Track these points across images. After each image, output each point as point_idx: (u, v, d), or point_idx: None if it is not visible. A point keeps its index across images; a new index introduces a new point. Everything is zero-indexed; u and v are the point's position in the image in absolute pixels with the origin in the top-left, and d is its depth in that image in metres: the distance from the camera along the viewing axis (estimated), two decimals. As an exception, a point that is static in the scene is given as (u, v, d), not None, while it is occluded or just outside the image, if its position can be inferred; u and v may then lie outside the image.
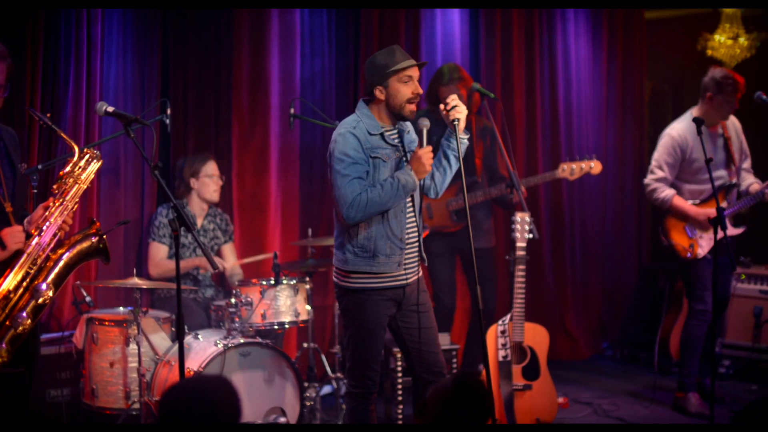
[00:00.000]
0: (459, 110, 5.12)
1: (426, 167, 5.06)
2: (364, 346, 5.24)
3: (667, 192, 7.16)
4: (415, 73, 5.11)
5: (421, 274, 5.37)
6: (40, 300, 4.61)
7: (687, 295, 7.38)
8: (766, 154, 8.68)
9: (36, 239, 4.62)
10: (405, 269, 5.21)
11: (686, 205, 7.12)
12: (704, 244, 7.06)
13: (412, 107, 5.12)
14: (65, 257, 4.73)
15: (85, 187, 4.81)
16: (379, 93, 5.11)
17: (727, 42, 8.55)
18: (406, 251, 5.21)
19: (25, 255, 4.59)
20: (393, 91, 5.09)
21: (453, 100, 5.15)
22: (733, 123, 7.20)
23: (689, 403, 7.08)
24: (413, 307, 5.29)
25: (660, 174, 7.18)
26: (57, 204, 4.70)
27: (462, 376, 3.73)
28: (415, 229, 5.26)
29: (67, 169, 4.78)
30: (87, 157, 4.82)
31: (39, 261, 4.64)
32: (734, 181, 7.10)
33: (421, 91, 5.13)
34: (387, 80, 5.08)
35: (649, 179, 7.24)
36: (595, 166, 7.09)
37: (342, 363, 7.06)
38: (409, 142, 5.28)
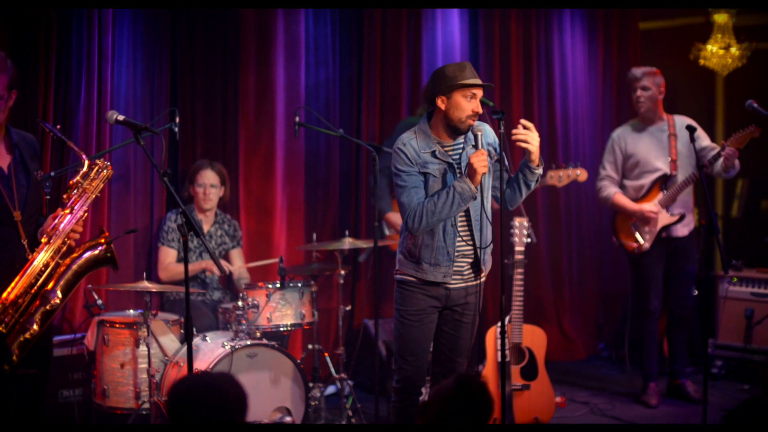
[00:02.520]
0: (522, 140, 5.07)
1: (477, 171, 4.91)
2: (401, 337, 5.27)
3: (608, 191, 7.40)
4: (479, 92, 5.05)
5: (479, 282, 5.30)
6: (48, 306, 4.61)
7: (634, 295, 7.53)
8: (761, 161, 8.71)
9: (45, 246, 4.62)
10: (452, 278, 5.18)
11: (625, 201, 7.31)
12: (648, 238, 7.24)
13: (471, 122, 5.04)
14: (74, 265, 4.73)
15: (95, 196, 4.80)
16: (441, 103, 5.04)
17: (719, 52, 8.55)
18: (456, 263, 5.17)
19: (34, 262, 4.59)
20: (454, 104, 5.01)
21: (522, 129, 5.07)
22: (684, 123, 7.13)
23: (645, 393, 7.36)
24: (456, 309, 5.28)
25: (603, 173, 7.47)
26: (66, 213, 4.69)
27: (463, 377, 3.72)
28: (470, 241, 5.17)
29: (77, 179, 4.78)
30: (96, 168, 4.82)
31: (49, 268, 4.64)
32: (671, 172, 7.15)
33: (480, 111, 5.05)
34: (452, 92, 5.01)
35: (597, 180, 7.46)
36: (581, 174, 7.16)
37: (346, 364, 7.07)
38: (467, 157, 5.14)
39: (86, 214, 4.77)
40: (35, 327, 4.56)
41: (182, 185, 7.19)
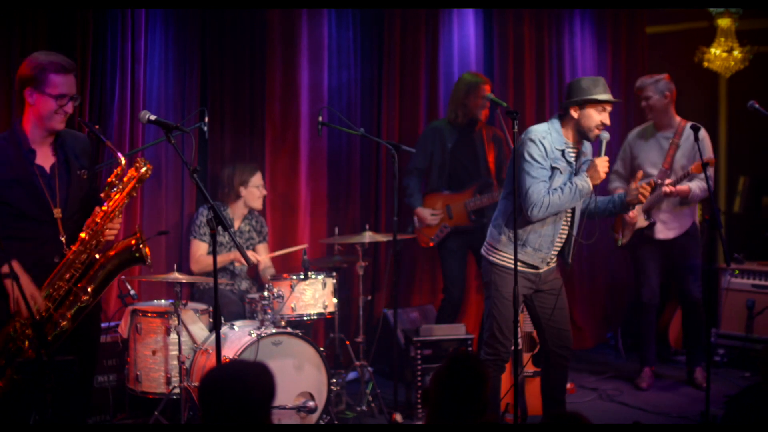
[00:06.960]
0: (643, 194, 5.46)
1: (600, 174, 5.32)
2: (500, 316, 5.52)
3: (612, 185, 7.47)
4: (609, 107, 5.38)
5: (556, 263, 5.68)
6: (80, 303, 4.65)
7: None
8: (762, 160, 8.65)
9: (82, 242, 4.61)
10: (546, 263, 5.58)
11: None
12: (627, 234, 7.28)
13: (597, 131, 5.36)
14: (107, 266, 4.71)
15: (133, 193, 4.73)
16: (574, 112, 5.38)
17: (722, 55, 8.47)
18: (553, 251, 5.53)
19: (72, 254, 4.58)
20: (587, 114, 5.36)
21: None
22: (690, 133, 6.71)
23: (639, 376, 7.43)
24: (550, 291, 5.66)
25: (613, 167, 7.45)
26: (103, 210, 4.66)
27: (452, 354, 3.80)
28: (567, 232, 5.56)
29: (113, 177, 4.71)
30: (135, 165, 4.75)
31: (85, 264, 4.62)
32: (657, 181, 6.91)
33: (608, 123, 5.37)
34: (585, 104, 5.34)
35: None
36: None
37: (366, 352, 7.04)
38: (581, 162, 5.50)
39: (121, 214, 4.72)
40: (64, 323, 4.58)
41: (219, 184, 7.15)
